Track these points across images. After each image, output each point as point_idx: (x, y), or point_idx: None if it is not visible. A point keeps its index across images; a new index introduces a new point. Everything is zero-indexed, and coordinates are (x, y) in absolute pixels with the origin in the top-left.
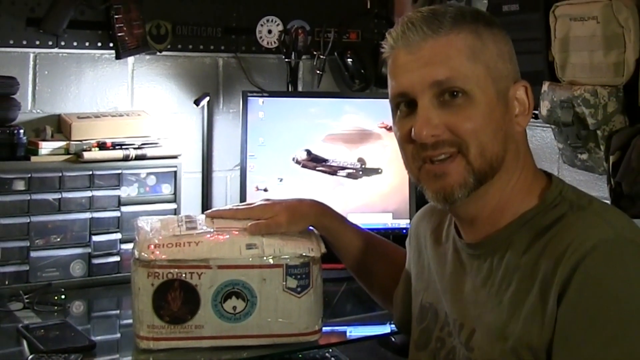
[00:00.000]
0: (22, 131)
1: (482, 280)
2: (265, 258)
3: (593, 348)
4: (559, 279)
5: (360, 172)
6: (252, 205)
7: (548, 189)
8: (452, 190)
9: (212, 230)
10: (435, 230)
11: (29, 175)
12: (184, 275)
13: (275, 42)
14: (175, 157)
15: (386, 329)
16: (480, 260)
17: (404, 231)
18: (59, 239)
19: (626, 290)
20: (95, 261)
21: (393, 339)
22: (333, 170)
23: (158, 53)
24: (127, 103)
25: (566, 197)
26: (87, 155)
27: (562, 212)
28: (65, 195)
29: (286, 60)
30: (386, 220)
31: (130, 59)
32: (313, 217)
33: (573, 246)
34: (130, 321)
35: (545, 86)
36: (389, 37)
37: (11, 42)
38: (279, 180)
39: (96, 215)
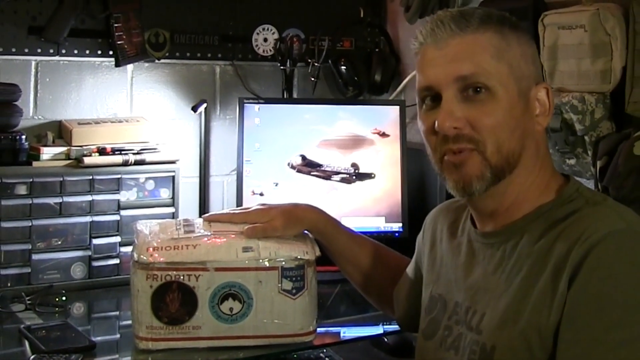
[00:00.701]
0: (24, 137)
1: (494, 267)
2: (261, 261)
3: (597, 330)
4: (571, 262)
5: (354, 177)
6: (249, 210)
7: (565, 186)
8: (470, 180)
9: (209, 233)
10: (451, 226)
11: (31, 179)
12: (182, 277)
13: (270, 50)
14: (173, 162)
15: (379, 329)
16: (493, 249)
17: (397, 234)
18: (60, 242)
19: (634, 278)
20: (96, 264)
21: (386, 340)
22: (327, 175)
23: (156, 61)
24: (126, 109)
25: (582, 194)
26: (87, 160)
27: (578, 206)
28: (66, 199)
29: (281, 67)
30: (379, 224)
31: (130, 67)
32: (308, 221)
33: (586, 234)
34: (129, 322)
35: None
36: (419, 35)
37: (13, 50)
38: (275, 184)
39: (96, 218)
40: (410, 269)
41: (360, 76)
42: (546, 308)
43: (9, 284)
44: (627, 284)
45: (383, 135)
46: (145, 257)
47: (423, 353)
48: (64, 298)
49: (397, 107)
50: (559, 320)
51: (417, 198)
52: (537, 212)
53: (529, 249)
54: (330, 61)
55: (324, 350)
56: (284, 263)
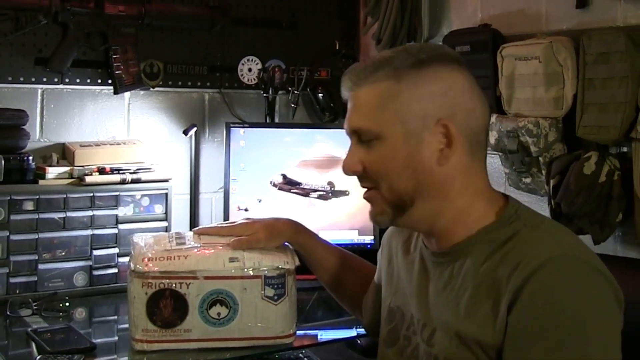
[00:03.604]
0: (31, 158)
1: (443, 285)
2: (246, 270)
3: (539, 351)
4: (511, 288)
5: (330, 194)
6: (235, 224)
7: (505, 208)
8: (375, 216)
9: (199, 245)
10: (405, 242)
11: (37, 196)
12: (174, 285)
13: (255, 79)
14: (166, 180)
15: (353, 332)
16: (442, 267)
17: (369, 246)
18: (63, 253)
19: (571, 302)
20: (96, 273)
21: (359, 342)
22: (306, 193)
23: (151, 89)
24: (124, 133)
25: (521, 215)
26: (88, 179)
27: (517, 228)
28: (69, 214)
29: (264, 95)
30: (353, 237)
31: (127, 94)
32: (288, 234)
33: (525, 261)
34: (126, 326)
35: (493, 118)
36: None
37: (21, 79)
38: (258, 201)
39: (96, 232)
40: (374, 281)
41: (336, 103)
42: (490, 328)
43: (17, 291)
44: (564, 308)
45: None
46: (141, 267)
47: None
48: (67, 304)
49: None
50: (502, 341)
51: None
52: (480, 233)
53: (474, 270)
54: (308, 89)
55: (303, 351)
56: (266, 272)
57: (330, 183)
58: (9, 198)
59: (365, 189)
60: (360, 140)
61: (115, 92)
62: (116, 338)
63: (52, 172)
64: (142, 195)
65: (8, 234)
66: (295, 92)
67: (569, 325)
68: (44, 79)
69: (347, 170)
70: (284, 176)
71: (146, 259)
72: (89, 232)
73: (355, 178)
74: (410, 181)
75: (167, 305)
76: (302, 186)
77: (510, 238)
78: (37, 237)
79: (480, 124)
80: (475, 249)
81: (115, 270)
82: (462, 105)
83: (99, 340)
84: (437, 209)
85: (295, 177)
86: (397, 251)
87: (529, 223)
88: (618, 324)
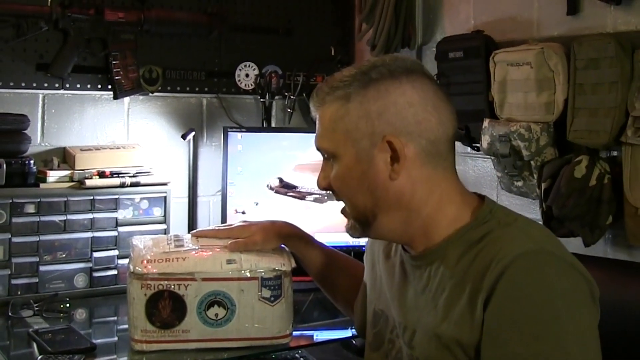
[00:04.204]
0: (32, 162)
1: (421, 288)
2: (243, 272)
3: (516, 345)
4: (486, 285)
5: (325, 198)
6: (232, 226)
7: (480, 208)
8: (347, 230)
9: (197, 247)
10: (386, 247)
11: (39, 200)
12: (172, 286)
13: (252, 85)
14: (165, 184)
15: (348, 333)
16: (421, 270)
17: (363, 248)
18: (64, 255)
19: (545, 295)
20: (96, 274)
21: (354, 342)
22: (302, 196)
23: (150, 94)
24: (123, 137)
25: (495, 215)
26: (88, 182)
27: (491, 227)
28: (70, 217)
29: (261, 100)
30: (347, 239)
31: (126, 99)
32: (284, 237)
33: (498, 257)
34: (126, 326)
35: (485, 123)
36: None
37: (23, 84)
38: (255, 204)
39: (96, 234)
40: (363, 284)
41: None
42: (467, 326)
43: (19, 292)
44: (539, 301)
45: None
46: (140, 269)
47: None
48: (68, 305)
49: None
50: (480, 338)
51: None
52: (456, 234)
53: (450, 270)
54: (304, 94)
55: (299, 352)
56: (263, 274)
57: None
58: (10, 201)
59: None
60: (325, 158)
61: (115, 97)
62: (116, 338)
63: (53, 175)
64: (141, 199)
65: (10, 236)
66: (292, 97)
67: (545, 319)
68: (45, 84)
69: (318, 186)
70: (281, 179)
71: (145, 261)
72: (89, 234)
73: None
74: (367, 197)
75: (166, 306)
76: (298, 189)
77: (483, 237)
78: (38, 239)
79: (438, 133)
80: (450, 250)
81: (115, 272)
82: (411, 118)
83: (99, 341)
84: (403, 220)
85: (292, 181)
86: (379, 256)
87: (503, 221)
88: (594, 316)
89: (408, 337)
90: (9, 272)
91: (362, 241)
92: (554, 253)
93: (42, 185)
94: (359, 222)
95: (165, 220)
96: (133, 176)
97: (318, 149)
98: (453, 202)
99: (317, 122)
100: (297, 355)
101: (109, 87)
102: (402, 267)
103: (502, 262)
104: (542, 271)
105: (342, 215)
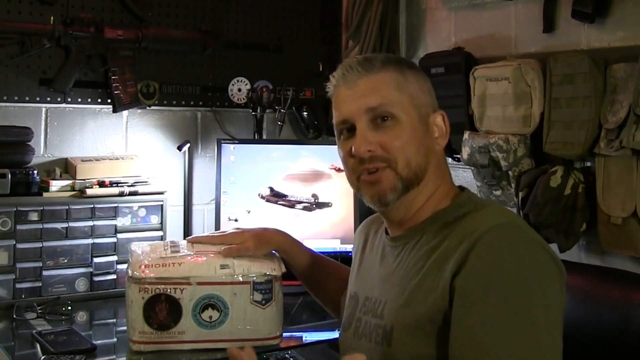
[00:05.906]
0: (35, 172)
1: (397, 264)
2: (236, 276)
3: (486, 305)
4: (459, 254)
5: (314, 206)
6: (225, 233)
7: (460, 195)
8: (384, 193)
9: (192, 253)
10: (373, 235)
11: (42, 208)
12: (169, 290)
13: (244, 99)
14: (161, 193)
15: (335, 334)
16: (399, 249)
17: (350, 254)
18: (66, 261)
19: (515, 262)
20: (96, 279)
21: None
22: (291, 204)
23: (147, 107)
24: (122, 149)
25: (472, 200)
26: (89, 191)
27: (468, 210)
28: (72, 224)
29: (253, 113)
30: (335, 245)
31: (125, 113)
32: (275, 243)
33: (470, 232)
34: (125, 328)
35: (466, 135)
36: (332, 79)
37: (27, 98)
38: (248, 212)
39: (97, 241)
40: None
41: (320, 120)
42: (433, 292)
43: (23, 296)
44: (508, 267)
45: (339, 170)
46: (138, 273)
47: (343, 343)
48: (69, 308)
49: None
50: (447, 304)
51: None
52: (435, 216)
53: (426, 246)
54: (294, 108)
55: (289, 352)
56: (255, 278)
57: (314, 195)
58: (15, 209)
59: (374, 169)
60: (372, 122)
61: (114, 111)
62: (115, 340)
63: (55, 185)
64: (139, 207)
65: (14, 242)
66: (282, 110)
67: (513, 282)
68: (48, 99)
69: (364, 150)
70: (271, 189)
71: (143, 266)
72: (89, 241)
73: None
74: (424, 158)
75: (163, 309)
76: (288, 198)
77: (460, 217)
78: (41, 245)
79: None
80: (428, 229)
81: (114, 276)
82: (436, 103)
83: (99, 342)
84: (427, 191)
85: (282, 190)
86: (364, 244)
87: (479, 205)
88: (560, 292)
89: (380, 308)
90: (14, 277)
91: (349, 247)
92: (523, 228)
93: (45, 194)
94: (406, 182)
95: (161, 227)
96: (131, 185)
97: (370, 109)
98: (447, 184)
99: (362, 87)
100: (287, 355)
101: (109, 101)
102: (383, 249)
103: (477, 233)
104: (513, 242)
105: (330, 222)
